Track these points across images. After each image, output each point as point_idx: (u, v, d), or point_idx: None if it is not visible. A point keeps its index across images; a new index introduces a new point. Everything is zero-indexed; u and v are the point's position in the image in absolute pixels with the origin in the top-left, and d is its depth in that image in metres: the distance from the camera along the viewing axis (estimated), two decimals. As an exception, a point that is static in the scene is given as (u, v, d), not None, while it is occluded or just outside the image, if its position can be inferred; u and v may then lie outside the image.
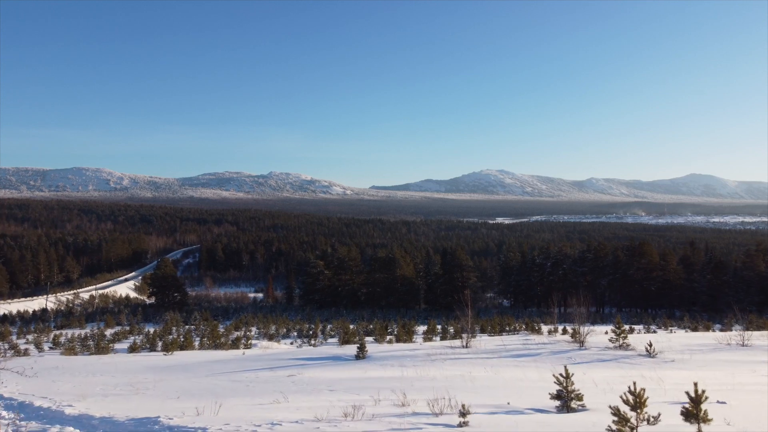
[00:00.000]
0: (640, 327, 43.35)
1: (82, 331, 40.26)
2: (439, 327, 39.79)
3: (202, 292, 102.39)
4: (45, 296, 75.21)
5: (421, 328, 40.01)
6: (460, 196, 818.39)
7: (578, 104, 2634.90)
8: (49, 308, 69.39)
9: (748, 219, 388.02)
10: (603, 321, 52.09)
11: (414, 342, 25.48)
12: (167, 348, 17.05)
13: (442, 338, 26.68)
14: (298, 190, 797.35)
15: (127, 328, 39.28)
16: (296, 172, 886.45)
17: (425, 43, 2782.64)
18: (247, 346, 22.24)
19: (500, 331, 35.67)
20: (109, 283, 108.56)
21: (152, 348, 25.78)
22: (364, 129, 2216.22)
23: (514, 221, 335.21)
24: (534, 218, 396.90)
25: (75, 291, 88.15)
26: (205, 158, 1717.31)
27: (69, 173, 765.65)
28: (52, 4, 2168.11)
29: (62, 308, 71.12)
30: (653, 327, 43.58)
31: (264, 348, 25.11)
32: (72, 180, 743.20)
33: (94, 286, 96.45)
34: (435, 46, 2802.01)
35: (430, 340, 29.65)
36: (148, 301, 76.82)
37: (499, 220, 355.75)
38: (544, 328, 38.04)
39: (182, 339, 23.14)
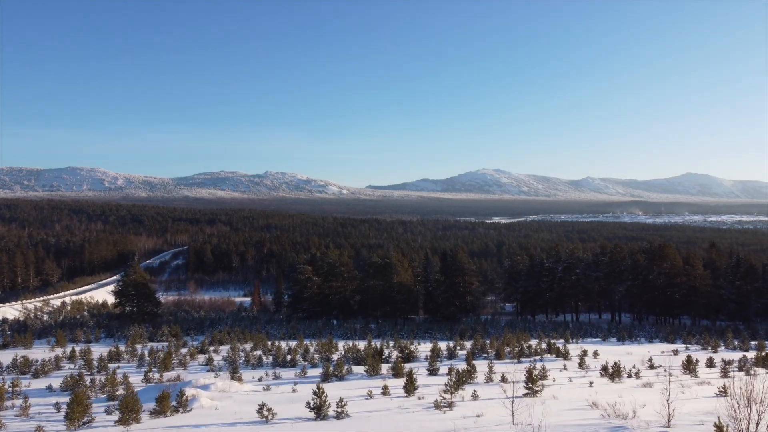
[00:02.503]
0: (680, 346, 37.44)
1: (25, 353, 34.09)
2: (443, 347, 33.85)
3: (186, 297, 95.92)
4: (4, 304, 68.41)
5: (423, 349, 33.94)
6: (456, 196, 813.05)
7: (575, 103, 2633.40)
8: (11, 317, 63.00)
9: (745, 218, 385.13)
10: (630, 337, 45.37)
11: (417, 390, 19.08)
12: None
13: (453, 375, 20.54)
14: (294, 189, 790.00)
15: (69, 349, 32.72)
16: (292, 172, 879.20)
17: (422, 42, 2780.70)
18: (182, 405, 15.97)
19: (519, 356, 29.69)
20: (89, 287, 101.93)
21: (73, 388, 19.77)
22: (361, 128, 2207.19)
23: (512, 221, 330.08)
24: (531, 218, 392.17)
25: (45, 297, 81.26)
26: (201, 158, 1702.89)
27: (63, 173, 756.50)
28: (48, 3, 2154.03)
29: (29, 317, 64.86)
30: (695, 347, 37.67)
31: (219, 392, 19.02)
32: (66, 180, 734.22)
33: (66, 292, 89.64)
34: (431, 45, 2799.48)
35: (436, 373, 23.68)
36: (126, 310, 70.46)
37: (496, 219, 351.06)
38: (572, 351, 31.88)
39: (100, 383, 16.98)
